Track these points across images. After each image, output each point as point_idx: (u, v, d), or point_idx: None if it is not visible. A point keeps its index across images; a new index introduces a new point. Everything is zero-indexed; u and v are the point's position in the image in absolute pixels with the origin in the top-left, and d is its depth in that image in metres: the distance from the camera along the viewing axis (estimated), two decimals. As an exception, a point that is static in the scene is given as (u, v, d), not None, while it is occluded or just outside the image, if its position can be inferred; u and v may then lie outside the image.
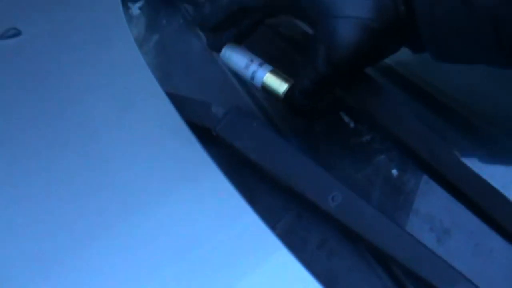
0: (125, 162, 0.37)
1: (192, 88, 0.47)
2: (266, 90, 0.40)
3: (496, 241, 0.33)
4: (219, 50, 0.42)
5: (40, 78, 0.44)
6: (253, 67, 0.40)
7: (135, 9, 0.55)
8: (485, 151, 0.38)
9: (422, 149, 0.37)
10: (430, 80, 0.44)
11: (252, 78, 0.40)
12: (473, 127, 0.41)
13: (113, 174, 0.36)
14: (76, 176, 0.36)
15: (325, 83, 0.37)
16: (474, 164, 0.36)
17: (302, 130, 0.42)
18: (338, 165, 0.39)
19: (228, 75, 0.47)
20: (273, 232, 0.31)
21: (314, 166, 0.36)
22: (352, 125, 0.41)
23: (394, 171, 0.38)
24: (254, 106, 0.44)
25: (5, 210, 0.34)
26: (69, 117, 0.40)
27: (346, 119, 0.41)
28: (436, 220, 0.35)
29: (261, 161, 0.36)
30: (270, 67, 0.40)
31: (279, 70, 0.40)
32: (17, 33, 0.48)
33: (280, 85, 0.39)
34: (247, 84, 0.45)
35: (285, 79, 0.39)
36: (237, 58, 0.41)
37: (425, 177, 0.37)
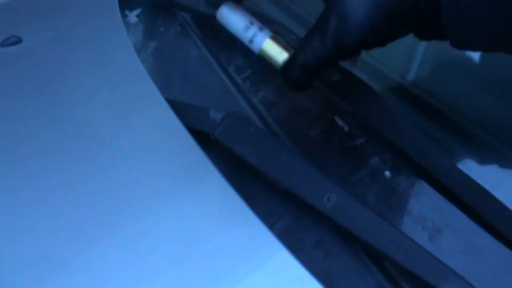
0: (127, 166, 0.37)
1: (191, 94, 0.47)
2: (264, 57, 0.37)
3: (485, 239, 0.34)
4: (217, 5, 0.38)
5: (41, 85, 0.44)
6: (253, 30, 0.37)
7: (132, 17, 0.55)
8: (474, 153, 0.39)
9: (415, 151, 0.37)
10: (422, 85, 0.44)
11: (251, 41, 0.37)
12: (463, 130, 0.42)
13: (115, 178, 0.36)
14: (78, 181, 0.36)
15: (330, 59, 0.35)
16: (464, 166, 0.37)
17: (298, 134, 0.42)
18: (333, 167, 0.39)
19: (225, 81, 0.47)
20: (272, 233, 0.31)
21: (310, 168, 0.36)
22: (346, 129, 0.41)
23: (387, 173, 0.38)
24: (251, 110, 0.44)
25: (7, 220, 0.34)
26: (70, 124, 0.40)
27: (341, 123, 0.42)
28: (428, 220, 0.35)
29: (258, 164, 0.37)
30: (271, 33, 0.38)
31: (280, 37, 0.38)
32: (18, 41, 0.48)
33: (280, 54, 0.37)
34: (244, 90, 0.46)
35: (286, 48, 0.37)
36: (236, 19, 0.38)
37: (417, 179, 0.38)
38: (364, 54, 0.47)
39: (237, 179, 0.35)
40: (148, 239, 0.32)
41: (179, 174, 0.36)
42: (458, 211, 0.35)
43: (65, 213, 0.34)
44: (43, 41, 0.48)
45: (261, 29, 0.37)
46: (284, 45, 0.37)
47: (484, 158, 0.39)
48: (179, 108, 0.39)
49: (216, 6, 0.38)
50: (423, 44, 0.47)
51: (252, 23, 0.37)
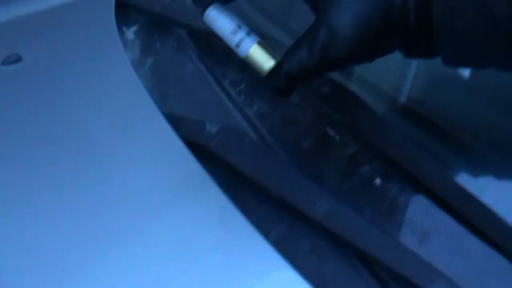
0: (125, 180, 0.37)
1: (187, 108, 0.47)
2: (250, 62, 0.36)
3: (472, 242, 0.35)
4: (205, 6, 0.37)
5: (40, 103, 0.44)
6: (240, 34, 0.36)
7: (130, 33, 0.55)
8: (460, 159, 0.40)
9: (404, 159, 0.38)
10: (416, 98, 0.45)
11: (238, 46, 0.36)
12: (451, 137, 0.42)
13: (113, 192, 0.36)
14: (76, 195, 0.36)
15: (316, 71, 0.34)
16: (451, 171, 0.38)
17: (291, 145, 0.43)
18: (325, 176, 0.40)
19: (220, 95, 0.48)
20: (267, 240, 0.32)
21: (302, 177, 0.37)
22: (337, 138, 0.42)
23: (378, 180, 0.39)
24: (246, 123, 0.45)
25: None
26: (69, 139, 0.41)
27: (332, 133, 0.43)
28: (417, 224, 0.36)
29: (253, 174, 0.37)
30: (258, 38, 0.37)
31: (267, 44, 0.37)
32: (18, 59, 0.48)
33: (266, 61, 0.36)
34: (239, 103, 0.46)
35: (272, 55, 0.36)
36: (224, 21, 0.37)
37: (406, 185, 0.38)
38: (357, 68, 0.48)
39: (233, 190, 0.36)
40: (145, 251, 0.33)
41: (177, 186, 0.36)
42: (446, 215, 0.36)
43: (63, 227, 0.34)
44: (43, 59, 0.49)
45: (248, 34, 0.37)
46: (271, 52, 0.36)
47: (469, 163, 0.40)
48: (176, 122, 0.40)
49: (202, 5, 0.37)
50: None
51: (240, 27, 0.37)
